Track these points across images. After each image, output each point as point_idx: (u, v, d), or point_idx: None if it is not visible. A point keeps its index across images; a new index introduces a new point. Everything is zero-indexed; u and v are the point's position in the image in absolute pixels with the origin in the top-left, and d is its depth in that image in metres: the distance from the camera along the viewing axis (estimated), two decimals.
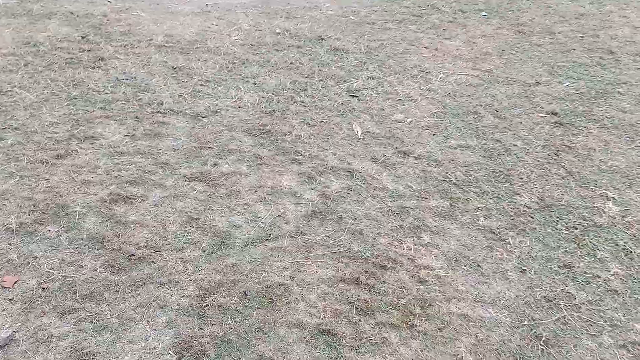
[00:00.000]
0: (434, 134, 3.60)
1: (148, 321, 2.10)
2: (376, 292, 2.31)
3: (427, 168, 3.21)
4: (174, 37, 4.85)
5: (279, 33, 5.15)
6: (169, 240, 2.53)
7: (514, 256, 2.57)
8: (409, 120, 3.77)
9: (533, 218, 2.83)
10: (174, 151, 3.24)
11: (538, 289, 2.39)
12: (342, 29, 5.38)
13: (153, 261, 2.39)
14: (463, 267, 2.49)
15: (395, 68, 4.57)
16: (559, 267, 2.51)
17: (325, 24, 5.45)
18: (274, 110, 3.78)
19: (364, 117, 3.78)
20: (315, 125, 3.63)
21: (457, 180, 3.11)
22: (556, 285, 2.41)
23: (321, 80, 4.29)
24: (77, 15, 5.13)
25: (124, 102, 3.75)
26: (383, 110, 3.89)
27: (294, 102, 3.92)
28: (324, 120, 3.70)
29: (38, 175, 2.92)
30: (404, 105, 3.97)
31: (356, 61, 4.66)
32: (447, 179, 3.12)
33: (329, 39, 5.09)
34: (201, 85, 4.07)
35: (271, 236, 2.59)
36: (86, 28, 4.87)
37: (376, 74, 4.45)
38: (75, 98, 3.73)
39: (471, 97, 4.14)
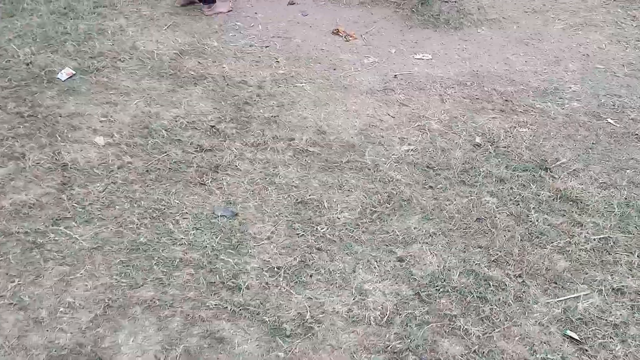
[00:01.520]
0: None
1: None
2: None
3: None
4: (327, 135, 3.46)
5: (479, 145, 3.36)
6: None
7: None
8: None
9: None
10: None
11: None
12: (588, 146, 3.33)
13: None
14: None
15: None
16: None
17: (560, 133, 3.46)
18: (408, 351, 2.12)
19: None
20: None
21: None
22: None
23: (519, 276, 2.44)
24: (228, 84, 4.10)
25: (197, 271, 2.51)
26: None
27: (451, 330, 2.19)
28: None
29: None
30: None
31: (597, 237, 2.65)
32: None
33: (557, 168, 3.13)
34: (315, 251, 2.61)
35: None
36: (229, 106, 3.78)
37: (632, 281, 2.40)
38: (138, 249, 2.62)
39: None
